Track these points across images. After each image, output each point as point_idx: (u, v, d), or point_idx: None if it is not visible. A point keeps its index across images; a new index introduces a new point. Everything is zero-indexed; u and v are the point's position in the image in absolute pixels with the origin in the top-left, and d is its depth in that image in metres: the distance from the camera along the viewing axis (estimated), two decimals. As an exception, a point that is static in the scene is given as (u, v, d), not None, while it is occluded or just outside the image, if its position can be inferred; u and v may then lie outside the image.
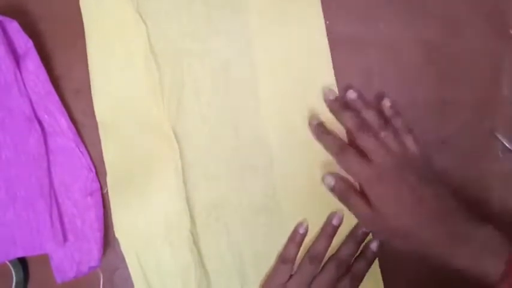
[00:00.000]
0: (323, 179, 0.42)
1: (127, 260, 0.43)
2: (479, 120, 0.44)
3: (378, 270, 0.43)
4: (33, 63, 0.42)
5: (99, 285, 0.45)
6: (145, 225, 0.43)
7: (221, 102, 0.44)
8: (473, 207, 0.43)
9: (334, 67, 0.44)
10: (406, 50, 0.44)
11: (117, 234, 0.43)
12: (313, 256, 0.42)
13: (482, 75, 0.44)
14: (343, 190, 0.41)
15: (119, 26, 0.44)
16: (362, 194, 0.40)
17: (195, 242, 0.43)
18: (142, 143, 0.44)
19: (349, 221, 0.43)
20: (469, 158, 0.44)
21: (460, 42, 0.44)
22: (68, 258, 0.42)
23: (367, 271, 0.42)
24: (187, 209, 0.43)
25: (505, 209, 0.44)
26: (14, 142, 0.42)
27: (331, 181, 0.42)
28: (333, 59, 0.44)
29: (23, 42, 0.42)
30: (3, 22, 0.41)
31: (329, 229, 0.42)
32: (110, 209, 0.45)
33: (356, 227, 0.43)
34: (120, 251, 0.45)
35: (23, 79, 0.42)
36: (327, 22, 0.44)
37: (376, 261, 0.43)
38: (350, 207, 0.41)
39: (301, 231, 0.43)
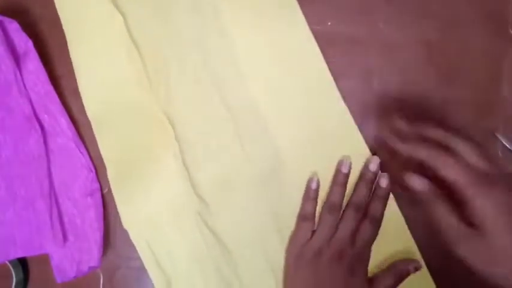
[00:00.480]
0: (408, 179, 0.35)
1: (138, 250, 0.43)
2: (479, 120, 0.44)
3: (403, 222, 0.42)
4: (33, 63, 0.42)
5: (99, 285, 0.45)
6: (152, 212, 0.43)
7: (206, 77, 0.44)
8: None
9: (334, 67, 0.44)
10: (406, 50, 0.44)
11: (125, 226, 0.43)
12: (331, 206, 0.41)
13: (482, 75, 0.44)
14: (433, 196, 0.34)
15: (95, 21, 0.44)
16: (455, 204, 0.32)
17: (205, 222, 0.43)
18: (137, 133, 0.44)
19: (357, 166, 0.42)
20: (469, 158, 0.44)
21: (460, 42, 0.44)
22: (68, 258, 0.42)
23: (384, 210, 0.41)
24: (193, 191, 0.43)
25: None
26: (14, 142, 0.42)
27: (420, 183, 0.34)
28: (332, 59, 0.44)
29: (23, 42, 0.42)
30: (3, 22, 0.41)
31: (340, 177, 0.42)
32: (109, 209, 0.45)
33: (365, 168, 0.42)
34: (120, 251, 0.45)
35: (22, 79, 0.42)
36: (329, 23, 0.44)
37: (401, 217, 0.42)
38: (439, 218, 0.33)
39: (314, 186, 0.42)
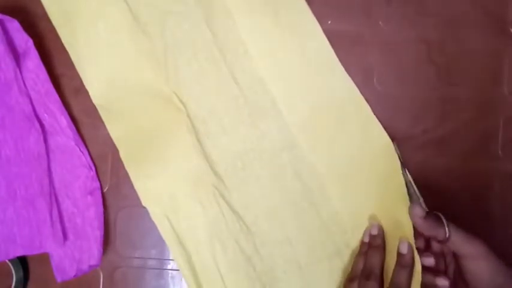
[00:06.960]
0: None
1: (159, 227, 0.43)
2: (479, 120, 0.44)
3: None
4: (33, 62, 0.42)
5: (99, 284, 0.45)
6: (172, 186, 0.43)
7: (217, 55, 0.44)
8: (474, 207, 0.44)
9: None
10: (406, 50, 0.44)
11: (144, 204, 0.43)
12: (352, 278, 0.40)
13: (482, 75, 0.44)
14: None
15: (98, 5, 0.44)
16: None
17: (223, 196, 0.43)
18: (147, 112, 0.44)
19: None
20: (469, 157, 0.44)
21: (460, 42, 0.44)
22: (68, 257, 0.42)
23: (408, 279, 0.38)
24: (208, 166, 0.43)
25: (505, 209, 0.44)
26: (14, 141, 0.42)
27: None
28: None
29: (23, 41, 0.42)
30: (4, 21, 0.41)
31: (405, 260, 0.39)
32: (110, 207, 0.45)
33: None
34: (120, 250, 0.45)
35: (23, 78, 0.42)
36: (329, 22, 0.44)
37: None
38: None
39: (374, 232, 0.42)
